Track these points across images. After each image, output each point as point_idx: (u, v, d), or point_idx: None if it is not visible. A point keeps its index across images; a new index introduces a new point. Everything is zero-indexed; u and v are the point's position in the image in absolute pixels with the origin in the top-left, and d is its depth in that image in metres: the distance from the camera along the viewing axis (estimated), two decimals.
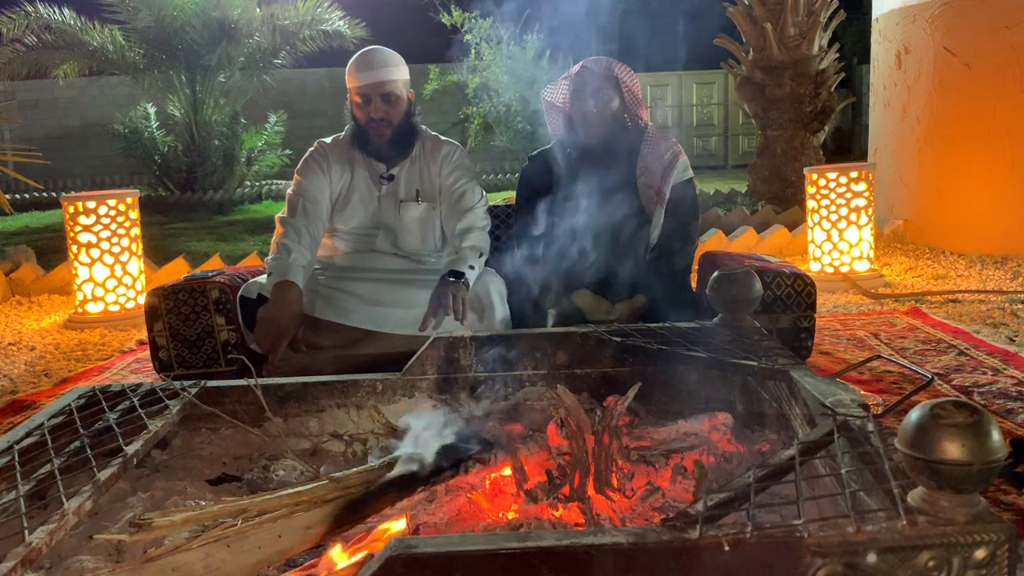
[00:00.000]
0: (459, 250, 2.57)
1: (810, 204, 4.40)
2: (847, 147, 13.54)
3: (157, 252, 5.69)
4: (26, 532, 1.16)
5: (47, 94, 13.33)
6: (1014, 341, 2.99)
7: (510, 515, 1.45)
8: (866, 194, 4.28)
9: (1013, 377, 2.52)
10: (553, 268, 2.53)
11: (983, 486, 0.97)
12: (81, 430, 1.58)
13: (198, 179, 10.36)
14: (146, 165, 10.86)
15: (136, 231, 4.12)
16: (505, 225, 3.05)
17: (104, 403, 1.71)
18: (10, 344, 3.67)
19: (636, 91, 2.67)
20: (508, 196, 7.11)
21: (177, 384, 1.84)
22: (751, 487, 1.10)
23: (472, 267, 2.53)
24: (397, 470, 1.45)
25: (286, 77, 12.15)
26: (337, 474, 1.40)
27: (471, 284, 2.51)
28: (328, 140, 2.76)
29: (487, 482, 1.55)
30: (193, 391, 1.80)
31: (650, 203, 2.68)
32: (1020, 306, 3.55)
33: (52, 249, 6.11)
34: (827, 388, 1.48)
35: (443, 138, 2.80)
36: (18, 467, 1.39)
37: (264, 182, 11.15)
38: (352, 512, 1.36)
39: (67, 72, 10.35)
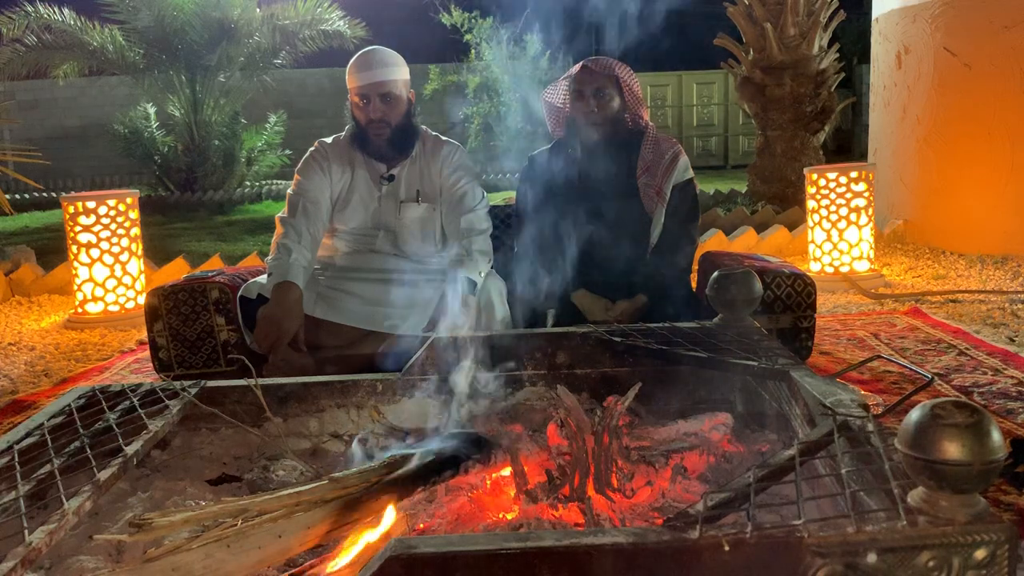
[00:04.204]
0: (470, 253, 2.57)
1: (810, 204, 4.40)
2: (847, 147, 13.54)
3: (157, 252, 5.69)
4: (26, 532, 1.16)
5: (47, 94, 13.33)
6: (1014, 341, 2.99)
7: (510, 515, 1.45)
8: (866, 194, 4.28)
9: (1013, 377, 2.52)
10: (553, 268, 2.53)
11: (983, 486, 0.97)
12: (81, 430, 1.58)
13: (198, 179, 10.35)
14: (146, 165, 10.85)
15: (136, 231, 4.12)
16: (505, 225, 3.05)
17: (104, 403, 1.71)
18: (10, 344, 3.67)
19: (636, 91, 2.67)
20: (508, 196, 7.11)
21: (177, 384, 1.84)
22: (751, 487, 1.10)
23: (481, 273, 2.55)
24: (400, 470, 1.45)
25: (286, 77, 12.15)
26: (337, 474, 1.40)
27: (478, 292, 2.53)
28: (328, 140, 2.76)
29: (487, 482, 1.55)
30: (193, 391, 1.80)
31: (650, 203, 2.68)
32: (1020, 306, 3.55)
33: (52, 249, 6.11)
34: (827, 388, 1.48)
35: (443, 138, 2.80)
36: (18, 467, 1.39)
37: (264, 182, 11.15)
38: (352, 512, 1.35)
39: (67, 72, 10.35)
